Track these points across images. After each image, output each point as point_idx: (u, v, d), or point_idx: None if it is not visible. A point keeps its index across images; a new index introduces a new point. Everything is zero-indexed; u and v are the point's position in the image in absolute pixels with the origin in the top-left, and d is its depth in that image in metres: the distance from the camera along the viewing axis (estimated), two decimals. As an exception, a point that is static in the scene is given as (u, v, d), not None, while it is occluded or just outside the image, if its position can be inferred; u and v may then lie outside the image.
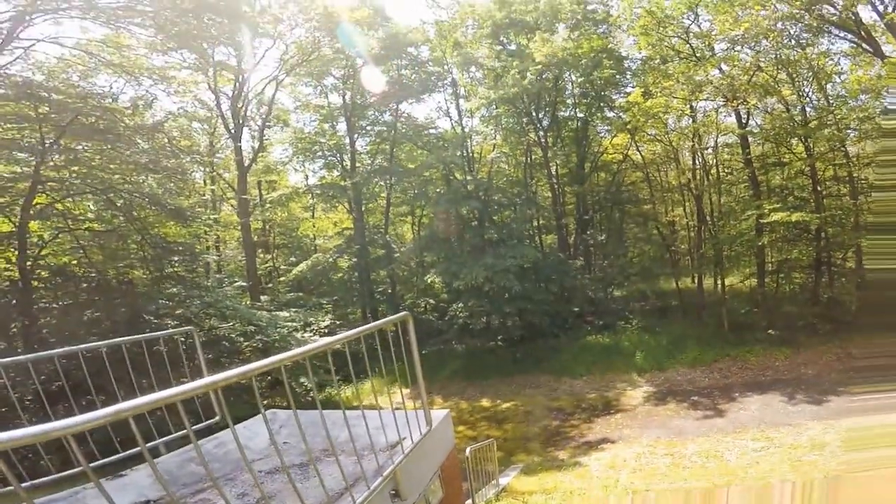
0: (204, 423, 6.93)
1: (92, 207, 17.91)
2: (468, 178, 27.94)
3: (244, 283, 24.70)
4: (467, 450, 10.11)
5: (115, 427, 3.01)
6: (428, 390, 18.08)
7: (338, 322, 25.54)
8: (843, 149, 22.59)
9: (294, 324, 20.52)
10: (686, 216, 33.97)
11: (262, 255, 32.91)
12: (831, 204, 22.47)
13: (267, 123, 30.23)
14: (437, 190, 29.61)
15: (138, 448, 5.95)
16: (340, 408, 4.81)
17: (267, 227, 33.84)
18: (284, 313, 21.55)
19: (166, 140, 19.38)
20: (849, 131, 21.61)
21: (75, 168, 16.09)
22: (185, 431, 6.54)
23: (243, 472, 6.15)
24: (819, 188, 22.76)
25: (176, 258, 18.55)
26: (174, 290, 17.88)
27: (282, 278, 31.67)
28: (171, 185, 19.65)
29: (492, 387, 23.61)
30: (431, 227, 30.67)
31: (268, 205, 30.83)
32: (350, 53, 28.05)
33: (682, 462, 14.25)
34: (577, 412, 20.00)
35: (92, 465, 5.40)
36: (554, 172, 32.83)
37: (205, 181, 31.41)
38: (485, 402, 22.26)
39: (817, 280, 23.55)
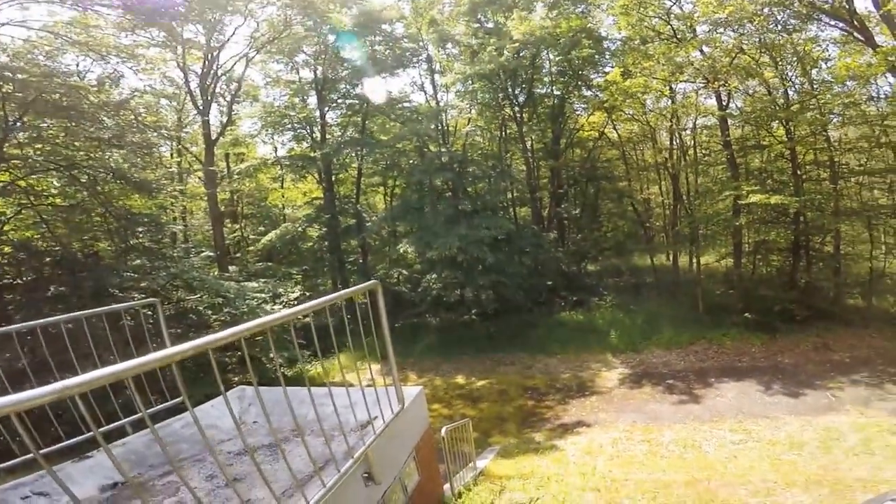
0: (171, 402, 6.68)
1: (56, 183, 17.75)
2: (442, 150, 27.56)
3: (211, 254, 24.54)
4: (442, 430, 9.79)
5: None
6: (402, 366, 17.91)
7: (308, 293, 25.56)
8: (824, 133, 22.48)
9: (263, 295, 20.28)
10: (662, 195, 34.09)
11: (230, 226, 32.43)
12: (811, 188, 22.40)
13: (236, 99, 29.91)
14: (411, 161, 29.23)
15: (105, 427, 5.73)
16: (313, 384, 4.53)
17: (235, 197, 33.49)
18: (253, 284, 21.29)
19: (132, 116, 19.07)
20: (832, 116, 21.51)
21: (39, 145, 16.23)
22: (152, 410, 6.28)
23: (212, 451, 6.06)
24: (799, 172, 22.68)
25: (140, 229, 18.27)
26: (139, 261, 17.59)
27: (250, 248, 31.46)
28: (138, 159, 19.41)
29: (466, 363, 23.49)
30: (404, 197, 30.51)
31: (235, 176, 30.57)
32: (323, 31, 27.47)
33: (660, 451, 14.15)
34: (551, 392, 19.87)
35: (58, 446, 5.32)
36: (529, 147, 32.63)
37: (172, 155, 31.21)
38: (459, 380, 22.09)
39: (795, 264, 23.57)
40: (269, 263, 28.47)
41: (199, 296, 18.28)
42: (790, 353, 20.36)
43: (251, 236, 32.66)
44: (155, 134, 21.80)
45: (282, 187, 35.50)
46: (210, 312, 18.37)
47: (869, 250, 23.75)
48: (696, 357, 21.24)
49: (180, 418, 6.52)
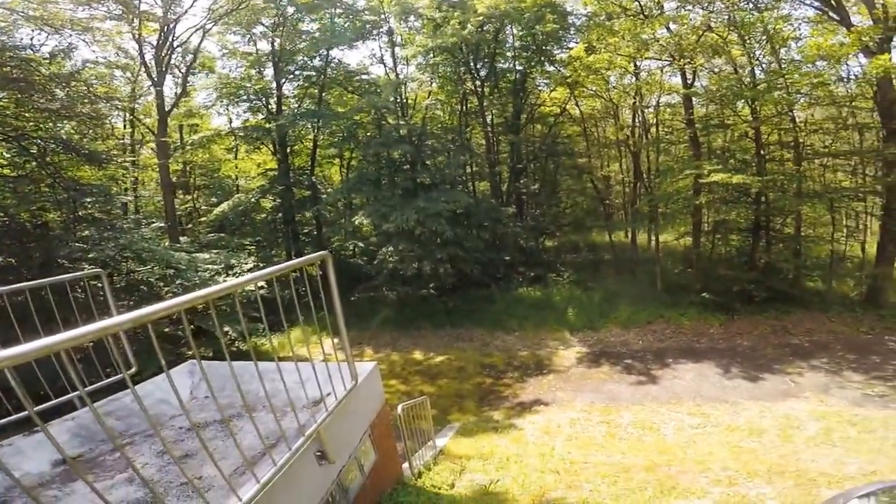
0: (119, 376, 5.86)
1: (5, 154, 17.48)
2: (401, 122, 26.96)
3: (162, 225, 23.88)
4: (399, 407, 9.43)
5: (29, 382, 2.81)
6: (358, 341, 17.36)
7: (261, 264, 24.46)
8: (790, 114, 22.35)
9: (215, 266, 19.69)
10: (622, 172, 34.44)
11: (182, 197, 32.03)
12: (773, 169, 22.22)
13: (192, 70, 29.28)
14: (368, 134, 28.71)
15: (51, 402, 5.24)
16: (267, 358, 4.20)
17: (188, 168, 33.01)
18: (205, 255, 20.69)
19: (83, 87, 18.82)
20: (799, 96, 21.32)
21: (-12, 117, 15.78)
22: (103, 383, 5.94)
23: (164, 427, 5.75)
24: (762, 152, 22.48)
25: (89, 200, 17.63)
26: (88, 232, 17.09)
27: (202, 219, 30.90)
28: (88, 130, 19.18)
29: (424, 338, 23.12)
30: (361, 169, 29.82)
31: (188, 147, 29.98)
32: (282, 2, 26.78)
33: (619, 432, 13.98)
34: (509, 370, 19.60)
35: (2, 421, 5.05)
36: (489, 122, 32.17)
37: (125, 126, 30.57)
38: (417, 355, 21.70)
39: (755, 245, 23.42)
40: (222, 235, 27.91)
41: (149, 267, 17.81)
42: (749, 336, 20.31)
43: (203, 207, 32.13)
44: (106, 105, 21.44)
45: (236, 158, 34.83)
46: (161, 284, 17.94)
47: (830, 233, 23.80)
48: (654, 336, 21.12)
49: (129, 393, 5.96)
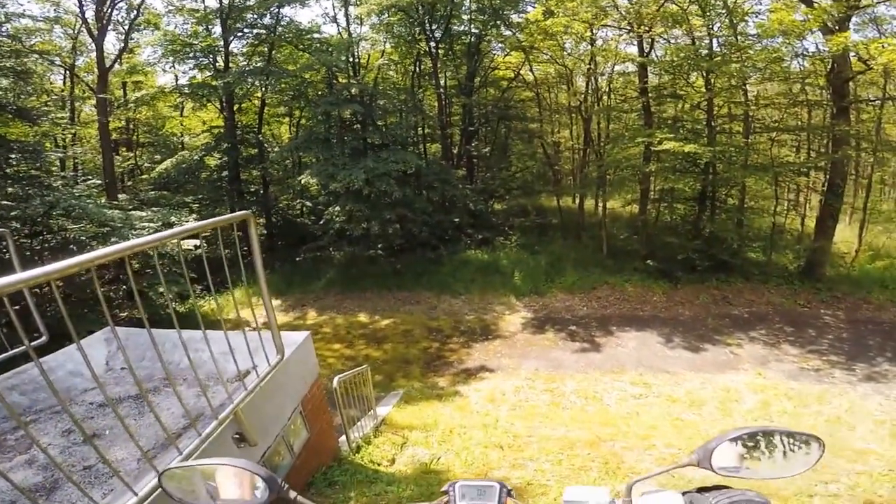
0: (23, 347, 5.70)
1: None
2: (352, 81, 26.16)
3: (98, 182, 23.15)
4: (335, 380, 9.02)
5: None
6: (303, 302, 16.98)
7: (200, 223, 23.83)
8: (743, 87, 22.33)
9: (153, 224, 18.77)
10: (572, 138, 34.18)
11: (124, 154, 31.35)
12: (723, 140, 22.17)
13: (135, 27, 28.01)
14: (318, 92, 27.78)
15: None
16: (199, 324, 3.86)
17: (131, 125, 32.36)
18: (142, 213, 19.84)
19: (9, 41, 18.50)
20: (754, 70, 21.32)
21: None
22: (7, 354, 5.08)
23: (74, 402, 5.26)
24: (713, 123, 22.41)
25: (13, 156, 16.78)
26: (11, 189, 16.10)
27: (144, 176, 30.03)
28: (16, 86, 17.89)
29: (370, 300, 22.62)
30: (309, 128, 29.12)
31: (131, 104, 28.87)
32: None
33: (562, 401, 13.92)
34: (455, 335, 19.31)
35: None
36: (443, 84, 31.36)
37: (64, 82, 29.74)
38: (363, 318, 21.22)
39: (699, 214, 23.50)
40: (165, 192, 27.16)
41: (81, 225, 16.96)
42: (690, 305, 20.42)
43: (147, 165, 31.13)
44: (38, 59, 21.56)
45: (181, 116, 34.03)
46: (95, 243, 16.89)
47: (773, 206, 24.04)
48: (598, 303, 21.06)
49: (43, 361, 5.26)
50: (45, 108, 20.19)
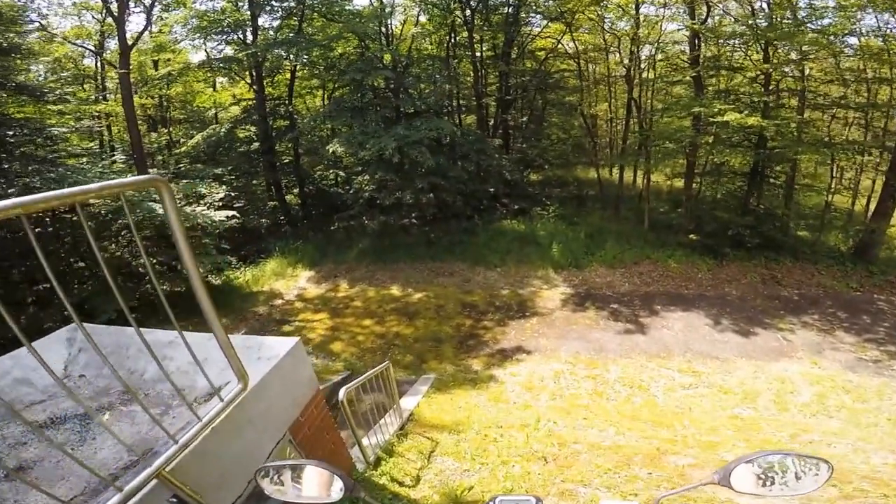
0: None
1: None
2: (385, 49, 24.31)
3: (121, 157, 22.47)
4: (341, 393, 6.97)
5: None
6: (335, 273, 15.26)
7: (233, 194, 23.57)
8: (804, 62, 20.26)
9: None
10: (614, 108, 32.52)
11: (160, 131, 31.35)
12: (781, 115, 20.04)
13: (160, 3, 27.35)
14: (349, 62, 25.78)
15: None
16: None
17: (164, 102, 31.60)
18: None
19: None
20: (818, 45, 19.25)
21: None
22: None
23: (12, 421, 3.94)
24: (769, 98, 20.42)
25: (10, 133, 15.45)
26: (8, 166, 15.02)
27: (176, 151, 29.15)
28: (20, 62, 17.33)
29: (402, 272, 20.95)
30: (339, 96, 27.38)
31: (155, 80, 28.08)
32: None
33: (606, 391, 12.41)
34: (490, 311, 17.59)
35: None
36: (479, 55, 29.35)
37: (96, 64, 29.49)
38: (395, 291, 19.58)
39: (750, 190, 21.63)
40: (198, 165, 26.11)
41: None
42: (738, 284, 18.67)
43: (182, 140, 30.24)
44: (36, 37, 21.00)
45: (214, 91, 33.22)
46: (109, 217, 16.41)
47: (828, 184, 22.40)
48: (640, 279, 19.30)
49: None
50: (52, 85, 19.08)
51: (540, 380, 12.96)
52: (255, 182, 29.03)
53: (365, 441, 7.63)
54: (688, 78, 22.91)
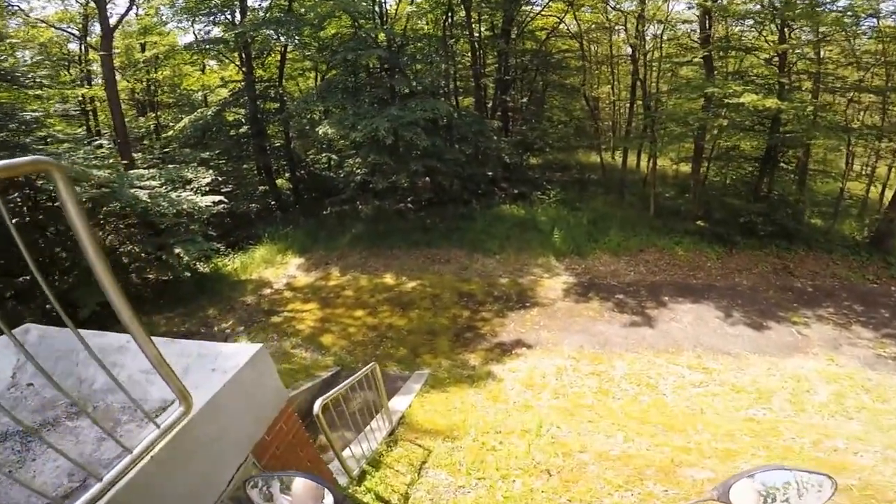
0: None
1: None
2: (378, 28, 23.31)
3: (104, 142, 20.97)
4: (316, 405, 6.10)
5: None
6: (326, 260, 14.42)
7: (220, 179, 23.03)
8: (822, 43, 19.52)
9: (155, 182, 17.16)
10: (617, 90, 31.71)
11: (148, 115, 30.68)
12: (795, 98, 19.13)
13: None
14: (343, 41, 24.91)
15: None
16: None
17: (152, 86, 30.79)
18: (141, 171, 18.32)
19: None
20: (839, 25, 18.45)
21: None
22: None
23: None
24: (783, 81, 19.43)
25: None
26: None
27: (163, 135, 28.34)
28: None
29: (397, 259, 20.16)
30: (331, 77, 26.54)
31: (141, 64, 27.91)
32: None
33: (612, 389, 11.68)
34: (488, 301, 16.83)
35: None
36: (477, 35, 28.37)
37: (80, 50, 28.70)
38: (388, 279, 18.78)
39: (761, 176, 20.91)
40: (185, 149, 25.55)
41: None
42: (749, 274, 17.95)
43: (171, 123, 29.30)
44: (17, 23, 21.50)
45: (203, 73, 32.12)
46: (90, 205, 15.67)
47: (843, 171, 21.58)
48: (646, 268, 18.59)
49: None
50: (25, 69, 18.49)
51: (541, 377, 12.25)
52: (245, 167, 28.45)
53: (348, 451, 6.93)
54: (697, 59, 22.00)
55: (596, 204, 23.70)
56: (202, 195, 18.44)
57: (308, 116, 28.05)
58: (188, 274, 16.69)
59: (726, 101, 18.12)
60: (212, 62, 31.17)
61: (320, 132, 20.53)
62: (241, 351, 4.07)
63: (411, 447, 7.94)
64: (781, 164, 20.91)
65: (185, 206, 16.85)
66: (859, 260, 18.42)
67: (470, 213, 22.88)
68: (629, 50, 25.79)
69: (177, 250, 16.72)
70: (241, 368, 3.88)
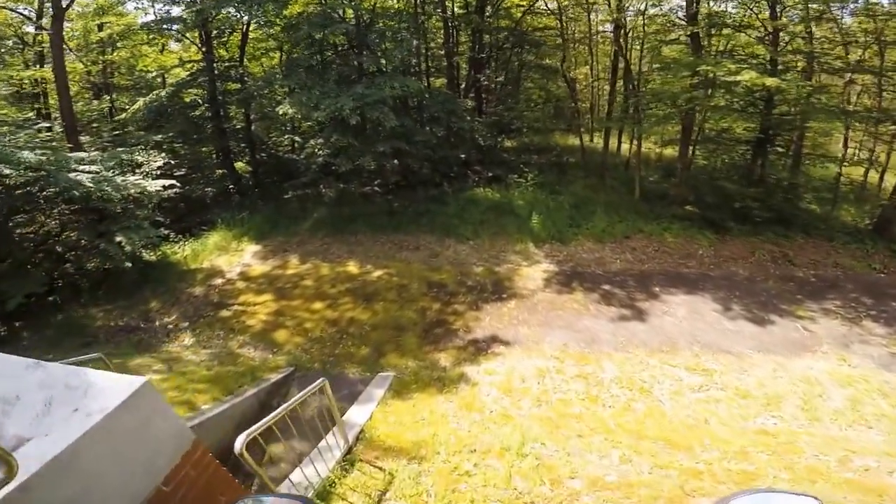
0: None
1: None
2: (345, 3, 21.34)
3: (49, 125, 20.58)
4: (237, 443, 4.57)
5: None
6: (284, 247, 12.21)
7: (172, 162, 22.29)
8: (815, 20, 18.70)
9: (96, 167, 16.02)
10: (597, 71, 31.13)
11: (102, 98, 29.49)
12: (791, 78, 18.35)
13: None
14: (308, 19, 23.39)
15: None
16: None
17: (109, 68, 29.63)
18: (82, 154, 17.12)
19: None
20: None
21: None
22: None
23: None
24: (777, 60, 18.75)
25: None
26: None
27: (117, 118, 26.78)
28: None
29: (361, 245, 18.49)
30: (294, 55, 25.23)
31: (94, 45, 26.92)
32: None
33: (601, 395, 10.30)
34: (461, 292, 15.28)
35: None
36: (450, 13, 27.04)
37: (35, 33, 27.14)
38: (351, 267, 17.08)
39: (755, 158, 19.94)
40: (141, 133, 24.06)
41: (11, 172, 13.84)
42: (745, 263, 16.79)
43: (127, 107, 27.88)
44: None
45: (162, 52, 31.01)
46: (28, 188, 14.91)
47: (841, 154, 20.87)
48: (633, 255, 17.28)
49: None
50: None
51: (521, 380, 10.83)
52: (204, 150, 27.05)
53: (298, 474, 5.55)
54: (684, 37, 21.14)
55: (576, 188, 22.33)
56: (153, 179, 17.53)
57: (269, 96, 26.52)
58: (129, 264, 15.06)
59: (721, 79, 17.07)
60: (174, 44, 30.43)
61: (280, 111, 18.97)
62: (117, 386, 2.80)
63: (370, 470, 6.56)
64: (777, 147, 20.19)
65: (132, 191, 15.80)
66: (862, 248, 17.48)
67: (441, 197, 21.45)
68: (610, 28, 24.42)
69: (118, 238, 15.22)
70: (113, 412, 2.60)
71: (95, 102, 29.08)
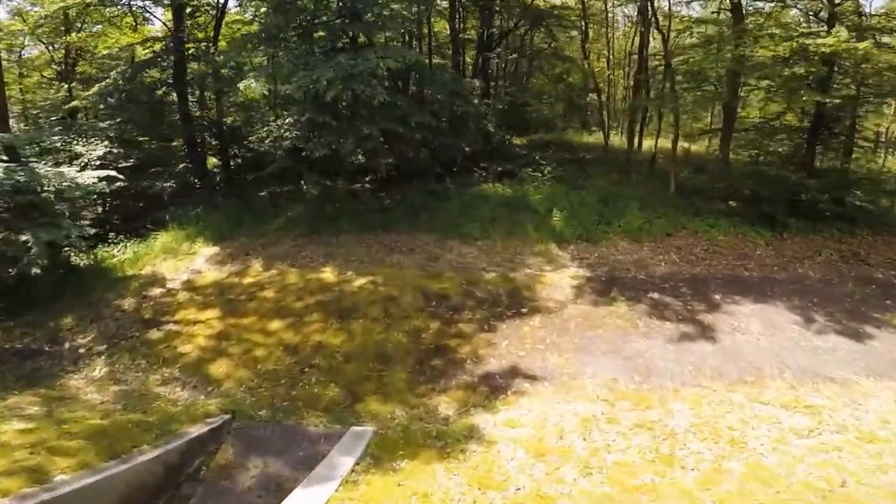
0: None
1: None
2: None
3: None
4: None
5: None
6: (245, 250, 9.59)
7: (119, 150, 19.94)
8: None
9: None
10: (613, 61, 29.27)
11: (58, 85, 27.34)
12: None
13: None
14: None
15: None
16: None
17: (73, 53, 27.48)
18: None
19: None
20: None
21: None
22: None
23: None
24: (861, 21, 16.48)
25: None
26: None
27: (67, 105, 24.29)
28: None
29: (343, 246, 14.96)
30: (264, 21, 21.38)
31: (43, 20, 24.67)
32: None
33: (675, 451, 7.56)
34: (468, 306, 11.91)
35: None
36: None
37: None
38: (327, 274, 13.55)
39: (810, 147, 17.51)
40: (97, 122, 22.55)
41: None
42: (812, 263, 14.23)
43: (83, 94, 25.03)
44: None
45: (134, 31, 27.10)
46: None
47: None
48: (680, 257, 14.28)
49: None
50: None
51: (558, 435, 7.80)
52: (174, 144, 24.23)
53: None
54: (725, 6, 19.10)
55: (600, 182, 19.48)
56: (92, 169, 15.48)
57: (239, 68, 23.86)
58: (37, 270, 11.88)
59: (800, 41, 14.88)
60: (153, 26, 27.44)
61: (242, 86, 16.01)
62: None
63: None
64: (837, 135, 18.34)
65: (55, 182, 13.44)
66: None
67: (443, 191, 18.59)
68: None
69: (23, 237, 12.18)
70: None
71: (51, 91, 27.34)
